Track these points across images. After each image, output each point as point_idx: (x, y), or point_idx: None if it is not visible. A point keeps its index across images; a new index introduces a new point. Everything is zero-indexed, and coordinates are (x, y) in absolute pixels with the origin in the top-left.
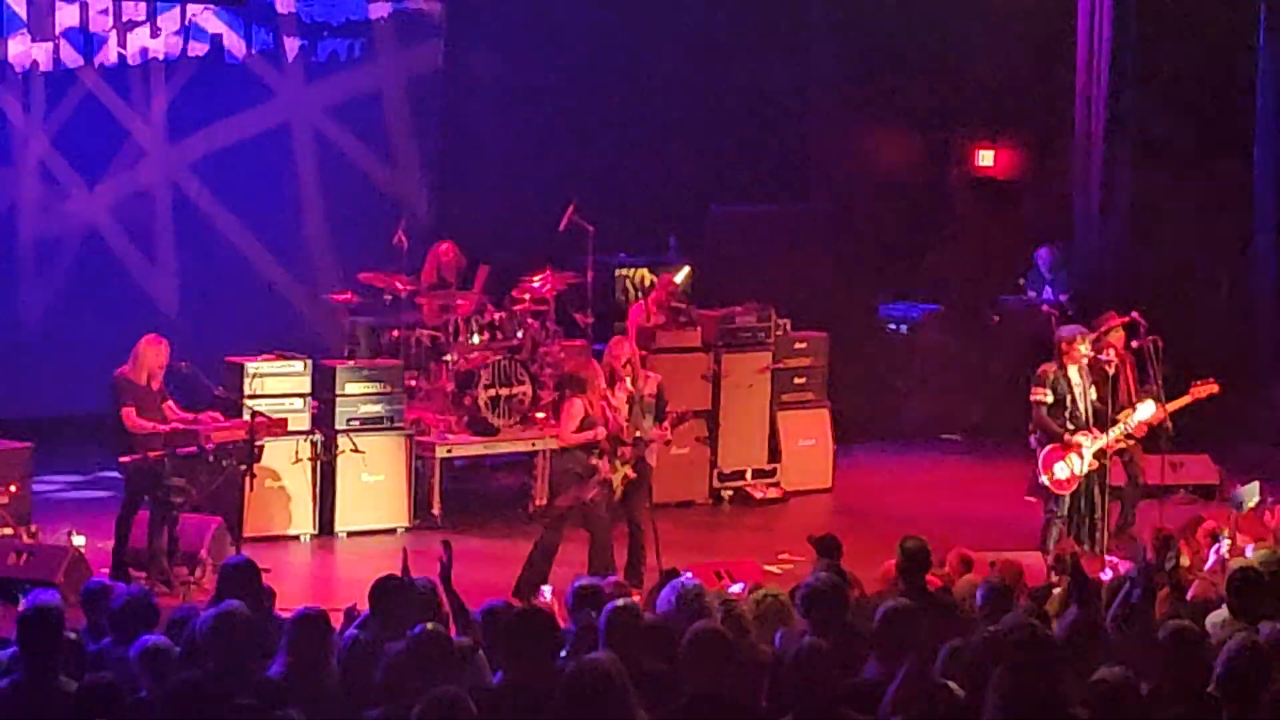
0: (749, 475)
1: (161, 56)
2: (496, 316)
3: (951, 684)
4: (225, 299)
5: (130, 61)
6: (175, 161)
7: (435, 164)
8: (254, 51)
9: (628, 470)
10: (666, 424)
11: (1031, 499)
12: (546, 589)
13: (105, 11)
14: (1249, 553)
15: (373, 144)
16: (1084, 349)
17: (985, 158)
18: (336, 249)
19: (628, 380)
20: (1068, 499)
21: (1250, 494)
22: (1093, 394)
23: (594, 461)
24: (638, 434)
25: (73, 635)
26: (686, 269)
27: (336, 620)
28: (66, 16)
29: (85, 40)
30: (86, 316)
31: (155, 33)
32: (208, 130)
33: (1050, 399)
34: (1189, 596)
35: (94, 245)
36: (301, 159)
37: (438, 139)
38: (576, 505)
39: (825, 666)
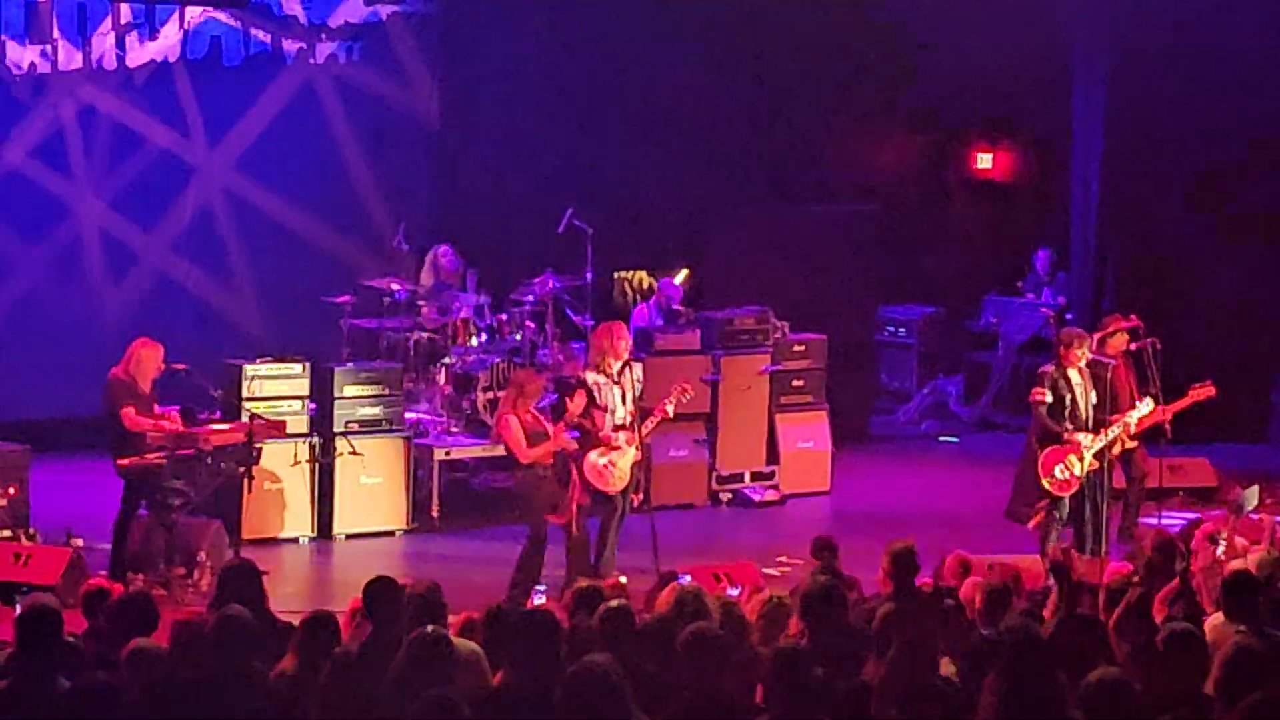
0: (747, 478)
1: (160, 60)
2: (495, 319)
3: (950, 680)
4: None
5: (128, 65)
6: (172, 160)
7: (434, 166)
8: (253, 54)
9: (635, 454)
10: (664, 402)
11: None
12: (540, 588)
13: (103, 16)
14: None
15: (368, 147)
16: (1083, 351)
17: (984, 160)
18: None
19: (620, 373)
20: (1067, 501)
21: (1250, 497)
22: (1093, 397)
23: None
24: (631, 420)
25: (71, 638)
26: (685, 271)
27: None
28: (63, 21)
29: (83, 45)
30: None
31: (154, 36)
32: (207, 131)
33: (1050, 399)
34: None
35: (92, 244)
36: (301, 163)
37: (436, 140)
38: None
39: (803, 667)
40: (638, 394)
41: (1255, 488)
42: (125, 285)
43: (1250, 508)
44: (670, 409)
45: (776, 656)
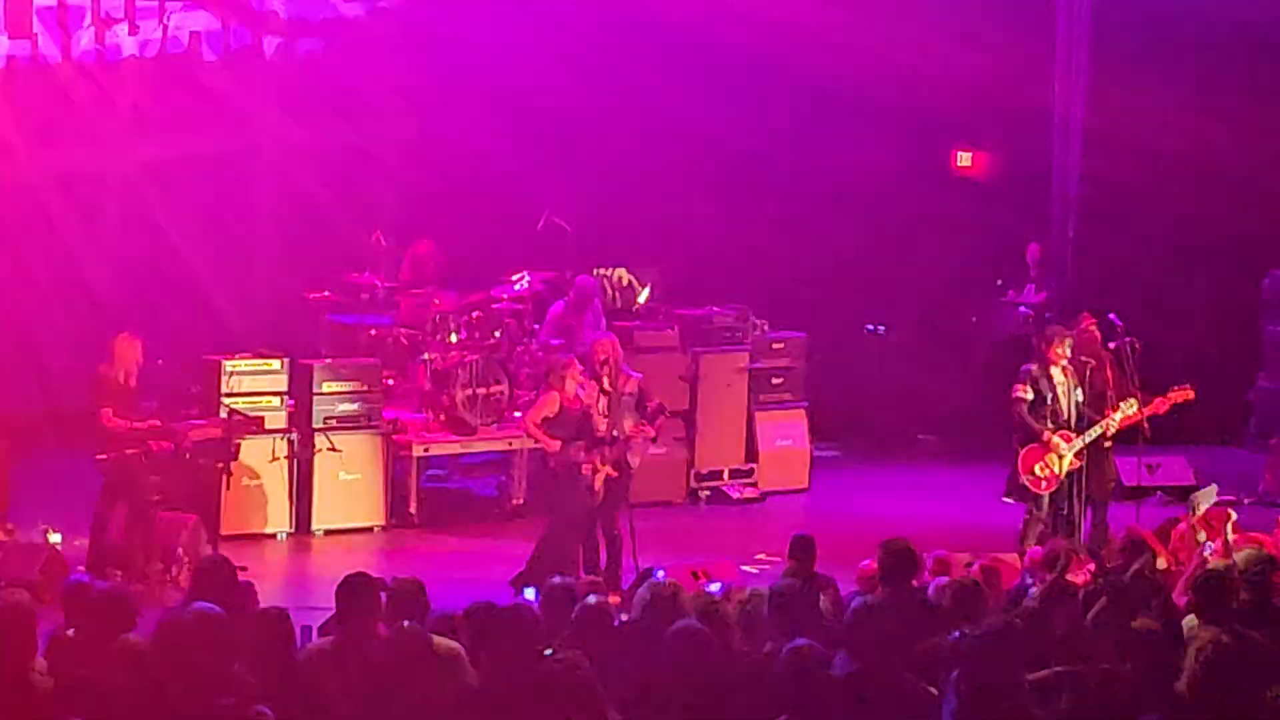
0: (726, 475)
1: (139, 53)
2: (474, 316)
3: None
4: (208, 297)
5: (108, 58)
6: (152, 158)
7: (413, 161)
8: (232, 48)
9: (608, 470)
10: (646, 422)
11: (1009, 500)
12: (529, 591)
13: (82, 8)
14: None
15: (346, 143)
16: (1064, 349)
17: (963, 159)
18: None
19: (605, 380)
20: (1047, 499)
21: (1206, 497)
22: (1078, 395)
23: (579, 461)
24: (615, 433)
25: (70, 633)
26: (648, 290)
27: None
28: (43, 13)
29: (62, 36)
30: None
31: (134, 30)
32: (188, 128)
33: (1030, 396)
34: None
35: (72, 240)
36: (282, 159)
37: (414, 135)
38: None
39: (819, 666)
40: (631, 409)
41: (1212, 488)
42: (104, 279)
43: (1205, 507)
44: (651, 434)
45: (792, 656)
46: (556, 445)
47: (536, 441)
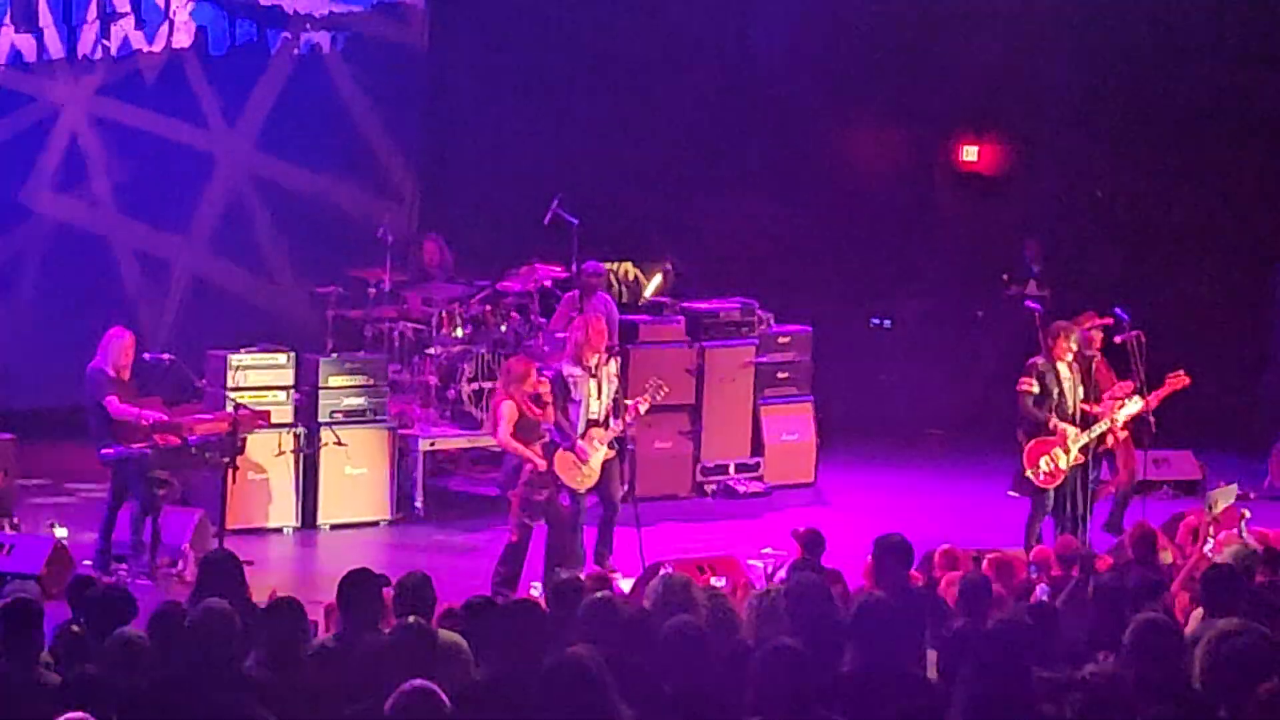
0: (732, 469)
1: (144, 49)
2: (480, 310)
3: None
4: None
5: (113, 53)
6: (154, 155)
7: (418, 156)
8: (237, 44)
9: (607, 451)
10: (638, 400)
11: (1014, 494)
12: (536, 585)
13: (88, 4)
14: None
15: (355, 138)
16: (1071, 344)
17: (970, 153)
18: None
19: (591, 360)
20: (1052, 494)
21: (1225, 496)
22: (1081, 391)
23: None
24: (612, 408)
25: (75, 629)
26: (658, 277)
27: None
28: (47, 9)
29: (68, 33)
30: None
31: (139, 24)
32: (189, 124)
33: (1037, 389)
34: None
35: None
36: (286, 155)
37: (420, 131)
38: (537, 505)
39: (797, 665)
40: (615, 388)
41: (1231, 486)
42: (110, 274)
43: (1222, 507)
44: (644, 407)
45: (768, 655)
46: (543, 464)
47: (522, 457)
